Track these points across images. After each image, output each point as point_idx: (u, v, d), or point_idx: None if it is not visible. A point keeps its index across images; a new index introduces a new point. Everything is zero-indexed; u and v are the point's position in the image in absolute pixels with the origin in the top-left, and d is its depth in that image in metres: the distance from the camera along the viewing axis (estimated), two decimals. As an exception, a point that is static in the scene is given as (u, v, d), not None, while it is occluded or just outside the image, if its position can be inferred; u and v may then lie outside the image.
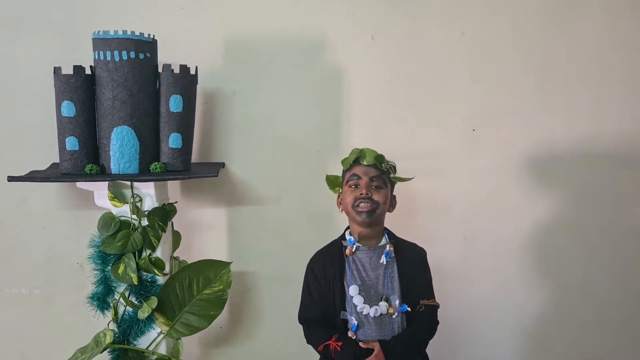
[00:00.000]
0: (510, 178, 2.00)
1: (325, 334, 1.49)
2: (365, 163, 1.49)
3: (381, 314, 1.48)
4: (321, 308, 1.52)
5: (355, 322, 1.47)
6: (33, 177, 1.60)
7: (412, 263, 1.54)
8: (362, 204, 1.47)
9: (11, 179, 1.56)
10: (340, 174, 1.58)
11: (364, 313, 1.47)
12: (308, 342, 1.55)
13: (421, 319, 1.51)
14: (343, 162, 1.54)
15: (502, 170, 1.99)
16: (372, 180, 1.49)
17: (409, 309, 1.49)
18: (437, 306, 1.54)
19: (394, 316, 1.48)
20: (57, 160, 1.65)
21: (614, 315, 2.11)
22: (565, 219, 2.05)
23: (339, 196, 1.57)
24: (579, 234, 2.06)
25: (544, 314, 2.08)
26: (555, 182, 2.03)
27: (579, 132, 2.01)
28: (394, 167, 1.54)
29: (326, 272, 1.52)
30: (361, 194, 1.47)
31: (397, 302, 1.49)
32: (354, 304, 1.48)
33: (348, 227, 1.57)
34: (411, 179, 1.55)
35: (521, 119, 1.98)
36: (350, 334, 1.48)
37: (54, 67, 1.57)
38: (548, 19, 1.95)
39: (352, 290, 1.48)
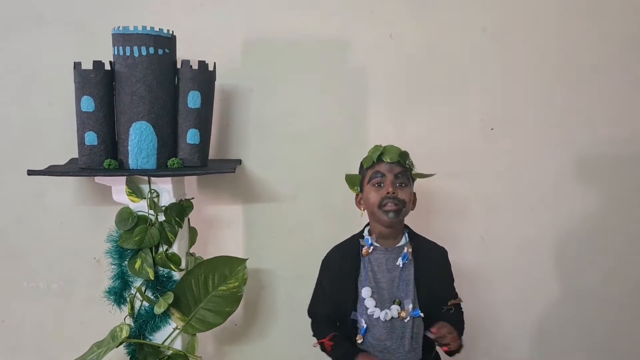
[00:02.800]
0: (528, 178, 1.98)
1: (326, 331, 1.49)
2: (388, 160, 1.45)
3: (392, 318, 1.45)
4: (330, 305, 1.51)
5: (365, 326, 1.46)
6: (52, 171, 1.61)
7: (431, 265, 1.51)
8: (389, 204, 1.43)
9: (31, 172, 1.57)
10: (358, 173, 1.56)
11: (374, 316, 1.45)
12: (313, 335, 1.55)
13: (457, 316, 1.52)
14: (365, 160, 1.50)
15: (520, 170, 1.97)
16: (396, 177, 1.45)
17: (421, 314, 1.46)
18: (461, 301, 1.54)
19: (405, 320, 1.46)
20: (76, 156, 1.66)
21: (635, 320, 2.08)
22: (585, 221, 2.01)
23: (358, 195, 1.54)
24: (599, 236, 2.02)
25: (562, 317, 2.05)
26: (575, 183, 2.00)
27: (600, 132, 1.98)
28: (412, 162, 1.51)
29: (341, 269, 1.51)
30: (388, 192, 1.43)
31: (410, 306, 1.46)
32: (365, 306, 1.46)
33: (368, 224, 1.55)
34: (432, 175, 1.53)
35: (541, 118, 1.95)
36: (358, 337, 1.47)
37: (74, 63, 1.58)
38: (570, 16, 1.92)
39: (365, 292, 1.47)
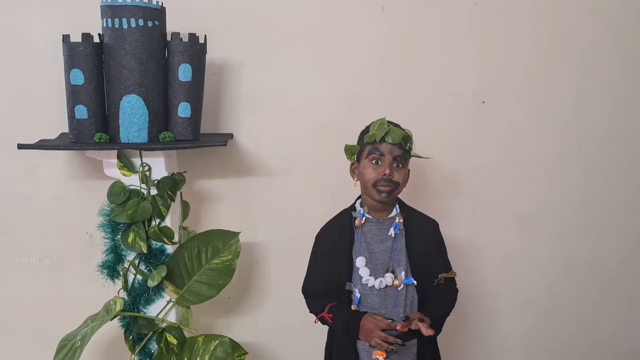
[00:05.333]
0: (519, 151, 2.00)
1: (322, 305, 1.51)
2: (391, 141, 1.44)
3: (386, 286, 1.47)
4: (324, 280, 1.53)
5: (358, 295, 1.48)
6: (42, 145, 1.60)
7: (422, 235, 1.53)
8: (383, 184, 1.44)
9: (21, 146, 1.56)
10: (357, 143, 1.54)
11: (368, 285, 1.47)
12: (311, 312, 1.57)
13: (445, 292, 1.52)
14: (367, 135, 1.47)
15: (511, 143, 1.99)
16: (395, 159, 1.45)
17: (414, 282, 1.48)
18: (455, 275, 1.54)
19: (399, 288, 1.48)
20: (67, 131, 1.65)
21: (622, 289, 2.12)
22: (574, 192, 2.04)
23: (353, 164, 1.54)
24: (588, 207, 2.06)
25: (551, 287, 2.09)
26: (564, 155, 2.02)
27: (590, 105, 2.00)
28: (411, 138, 1.50)
29: (335, 243, 1.52)
30: (384, 174, 1.44)
31: (403, 274, 1.48)
32: (359, 275, 1.48)
33: (359, 197, 1.56)
34: (429, 158, 1.55)
35: (532, 92, 1.97)
36: (353, 306, 1.48)
37: (63, 35, 1.56)
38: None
39: (359, 262, 1.48)
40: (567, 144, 2.01)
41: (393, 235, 1.50)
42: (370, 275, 1.48)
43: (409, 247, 1.50)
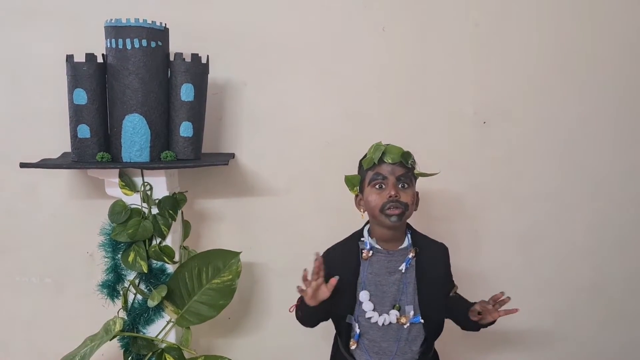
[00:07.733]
0: (521, 172, 1.99)
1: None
2: (390, 161, 1.36)
3: (390, 323, 1.41)
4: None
5: (358, 331, 1.42)
6: (44, 164, 1.61)
7: (432, 267, 1.44)
8: (392, 207, 1.35)
9: (23, 165, 1.57)
10: (356, 172, 1.48)
11: (372, 321, 1.41)
12: (301, 322, 1.49)
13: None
14: (365, 160, 1.41)
15: (513, 163, 1.98)
16: (398, 179, 1.38)
17: (422, 320, 1.41)
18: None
19: (405, 326, 1.41)
20: (69, 150, 1.65)
21: (625, 312, 2.10)
22: (577, 214, 2.03)
23: (357, 196, 1.45)
24: (592, 228, 2.04)
25: (554, 310, 2.07)
26: (567, 176, 2.01)
27: (592, 125, 2.00)
28: (414, 160, 1.43)
29: (341, 271, 1.40)
30: (390, 196, 1.35)
31: (412, 313, 1.41)
32: (362, 309, 1.41)
33: (367, 223, 1.48)
34: (436, 174, 1.46)
35: (533, 112, 1.97)
36: (352, 342, 1.43)
37: (66, 55, 1.58)
38: (562, 11, 1.93)
39: (363, 296, 1.41)
40: (570, 164, 2.00)
41: (403, 270, 1.41)
42: (374, 310, 1.41)
43: (419, 280, 1.42)
